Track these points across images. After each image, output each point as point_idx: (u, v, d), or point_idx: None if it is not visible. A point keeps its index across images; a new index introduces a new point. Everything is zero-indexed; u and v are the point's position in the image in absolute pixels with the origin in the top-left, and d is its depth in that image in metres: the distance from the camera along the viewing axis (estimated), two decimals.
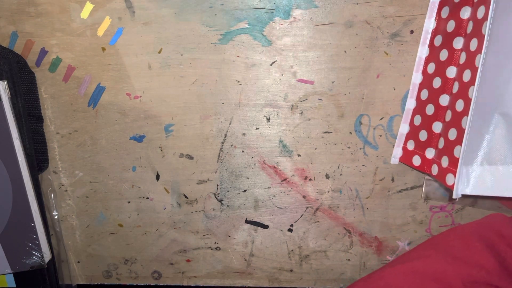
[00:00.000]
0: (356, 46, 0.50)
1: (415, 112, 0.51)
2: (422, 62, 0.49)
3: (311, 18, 0.49)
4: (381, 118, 0.52)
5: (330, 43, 0.50)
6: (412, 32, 0.49)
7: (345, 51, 0.50)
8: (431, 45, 0.48)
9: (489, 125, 0.42)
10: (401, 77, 0.51)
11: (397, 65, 0.50)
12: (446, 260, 0.41)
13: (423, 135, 0.49)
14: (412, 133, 0.51)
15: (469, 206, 0.55)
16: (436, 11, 0.47)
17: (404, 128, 0.52)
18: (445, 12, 0.46)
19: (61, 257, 0.61)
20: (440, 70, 0.47)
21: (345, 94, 0.52)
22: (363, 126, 0.53)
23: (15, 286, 0.57)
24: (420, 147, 0.50)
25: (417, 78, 0.50)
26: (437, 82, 0.47)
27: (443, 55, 0.46)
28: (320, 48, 0.50)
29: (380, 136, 0.53)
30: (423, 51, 0.49)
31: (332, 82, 0.51)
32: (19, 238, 0.54)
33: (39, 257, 0.55)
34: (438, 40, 0.47)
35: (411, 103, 0.51)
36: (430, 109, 0.48)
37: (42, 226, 0.54)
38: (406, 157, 0.52)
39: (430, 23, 0.48)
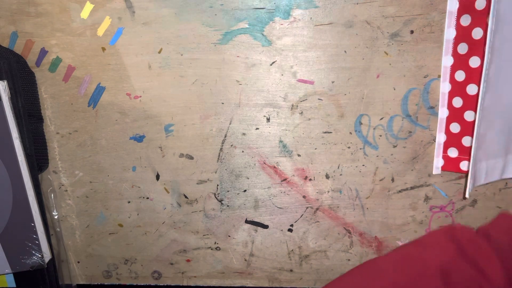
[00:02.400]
0: (356, 46, 0.50)
1: (450, 120, 0.51)
2: (448, 71, 0.49)
3: (311, 18, 0.49)
4: (381, 118, 0.52)
5: (330, 43, 0.50)
6: (412, 32, 0.49)
7: (345, 51, 0.50)
8: (455, 53, 0.48)
9: None
10: (401, 77, 0.51)
11: (397, 65, 0.50)
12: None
13: (467, 141, 0.50)
14: (452, 141, 0.51)
15: (469, 206, 0.55)
16: (455, 19, 0.47)
17: (440, 138, 0.52)
18: (465, 20, 0.47)
19: (61, 257, 0.61)
20: (473, 77, 0.47)
21: (345, 94, 0.52)
22: (363, 126, 0.53)
23: (15, 286, 0.57)
24: (467, 153, 0.50)
25: (445, 87, 0.50)
26: (472, 89, 0.48)
27: (474, 62, 0.47)
28: (320, 48, 0.50)
29: (380, 136, 0.53)
30: (447, 61, 0.49)
31: (332, 82, 0.51)
32: (19, 238, 0.54)
33: (39, 257, 0.55)
34: (463, 48, 0.48)
35: (443, 112, 0.51)
36: (469, 116, 0.49)
37: (42, 226, 0.54)
38: (450, 165, 0.52)
39: (450, 32, 0.48)
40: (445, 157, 0.52)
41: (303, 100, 0.52)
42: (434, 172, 0.54)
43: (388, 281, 0.40)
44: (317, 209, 0.57)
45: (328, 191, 0.56)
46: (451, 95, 0.50)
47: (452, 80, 0.49)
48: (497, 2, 0.42)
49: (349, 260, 0.59)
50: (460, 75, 0.49)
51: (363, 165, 0.55)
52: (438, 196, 0.55)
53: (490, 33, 0.43)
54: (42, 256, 0.55)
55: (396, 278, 0.40)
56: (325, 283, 0.61)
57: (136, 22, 0.50)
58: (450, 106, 0.50)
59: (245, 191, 0.57)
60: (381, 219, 0.57)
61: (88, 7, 0.50)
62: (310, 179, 0.56)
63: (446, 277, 0.39)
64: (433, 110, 0.52)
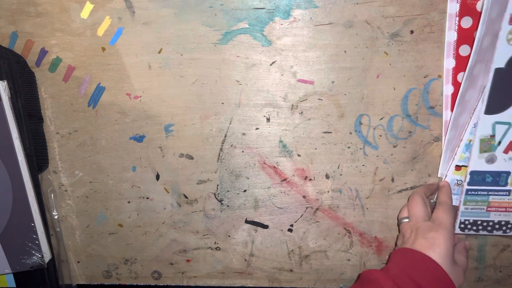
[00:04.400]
0: (356, 46, 0.50)
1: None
2: (451, 73, 0.50)
3: (311, 18, 0.49)
4: (381, 118, 0.52)
5: (330, 43, 0.50)
6: (412, 32, 0.49)
7: (345, 51, 0.50)
8: (457, 55, 0.49)
9: None
10: (401, 77, 0.51)
11: (397, 65, 0.50)
12: None
13: None
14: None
15: None
16: (456, 21, 0.48)
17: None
18: (466, 22, 0.47)
19: (61, 257, 0.61)
20: (475, 82, 0.48)
21: (345, 94, 0.52)
22: (363, 126, 0.53)
23: (15, 286, 0.57)
24: None
25: (448, 89, 0.50)
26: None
27: (477, 69, 0.48)
28: (320, 48, 0.50)
29: (380, 136, 0.53)
30: (449, 63, 0.49)
31: (332, 82, 0.51)
32: (19, 238, 0.54)
33: (39, 257, 0.55)
34: (465, 50, 0.48)
35: (447, 115, 0.51)
36: None
37: (42, 226, 0.54)
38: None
39: (451, 35, 0.48)
40: None
41: (303, 100, 0.52)
42: (439, 174, 0.54)
43: None
44: (317, 209, 0.57)
45: (328, 191, 0.56)
46: (454, 97, 0.50)
47: (455, 82, 0.49)
48: (490, 5, 0.43)
49: (349, 260, 0.59)
50: (461, 77, 0.49)
51: (363, 165, 0.55)
52: None
53: (479, 38, 0.44)
54: (42, 256, 0.55)
55: None
56: (325, 283, 0.61)
57: (136, 22, 0.50)
58: (452, 108, 0.50)
59: (245, 191, 0.57)
60: (381, 219, 0.57)
61: (88, 7, 0.50)
62: (310, 179, 0.56)
63: None
64: (433, 110, 0.52)
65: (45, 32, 0.51)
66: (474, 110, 0.48)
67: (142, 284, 0.63)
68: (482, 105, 0.47)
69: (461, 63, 0.48)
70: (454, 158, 0.51)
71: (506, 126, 0.49)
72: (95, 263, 0.62)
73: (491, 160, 0.51)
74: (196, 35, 0.50)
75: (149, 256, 0.61)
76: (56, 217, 0.59)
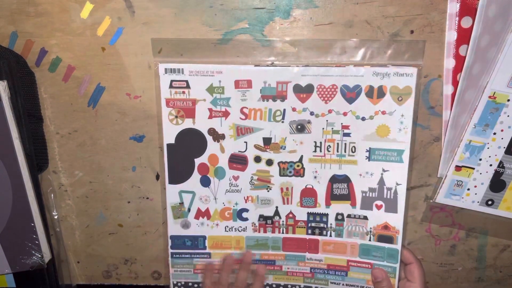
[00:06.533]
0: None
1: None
2: (451, 73, 0.50)
3: (311, 18, 0.49)
4: None
5: None
6: (412, 32, 0.49)
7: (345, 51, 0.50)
8: (457, 55, 0.49)
9: None
10: None
11: None
12: None
13: None
14: None
15: None
16: (456, 21, 0.48)
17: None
18: (467, 22, 0.47)
19: (61, 257, 0.61)
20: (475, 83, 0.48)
21: None
22: None
23: (14, 286, 0.57)
24: None
25: (448, 89, 0.50)
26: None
27: (476, 69, 0.47)
28: None
29: None
30: (449, 63, 0.49)
31: None
32: (19, 238, 0.54)
33: (39, 257, 0.55)
34: (464, 50, 0.48)
35: (447, 115, 0.51)
36: None
37: (42, 226, 0.54)
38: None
39: (451, 35, 0.48)
40: None
41: None
42: (439, 174, 0.53)
43: None
44: None
45: None
46: (454, 97, 0.50)
47: (455, 82, 0.49)
48: (486, 3, 0.43)
49: None
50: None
51: None
52: None
53: (475, 36, 0.45)
54: (42, 256, 0.55)
55: None
56: None
57: (136, 22, 0.50)
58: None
59: None
60: None
61: (88, 7, 0.50)
62: None
63: None
64: (433, 110, 0.52)
65: (45, 32, 0.51)
66: (475, 110, 0.48)
67: (142, 284, 0.63)
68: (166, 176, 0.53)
69: (461, 63, 0.48)
70: (454, 159, 0.51)
71: (190, 195, 0.53)
72: (95, 263, 0.62)
73: (185, 226, 0.55)
74: (196, 35, 0.50)
75: (149, 256, 0.61)
76: (56, 217, 0.59)
